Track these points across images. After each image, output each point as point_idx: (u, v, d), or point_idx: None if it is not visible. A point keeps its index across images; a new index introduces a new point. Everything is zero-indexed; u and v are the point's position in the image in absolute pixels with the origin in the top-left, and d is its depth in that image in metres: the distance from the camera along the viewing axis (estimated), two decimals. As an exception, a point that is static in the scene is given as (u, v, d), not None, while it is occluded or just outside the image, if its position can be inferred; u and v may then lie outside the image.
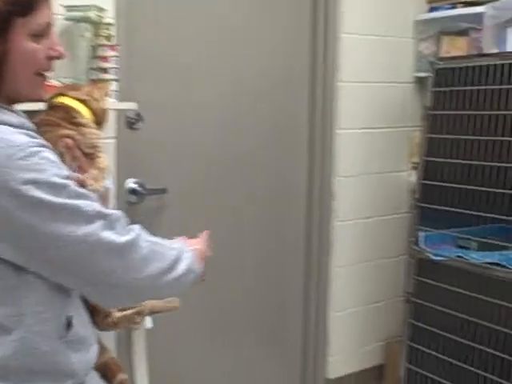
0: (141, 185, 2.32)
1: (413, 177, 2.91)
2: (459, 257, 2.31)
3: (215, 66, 2.47)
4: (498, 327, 2.26)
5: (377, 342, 2.99)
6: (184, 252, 1.32)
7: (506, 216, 2.23)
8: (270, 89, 2.63)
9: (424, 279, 2.45)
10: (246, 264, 2.66)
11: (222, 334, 2.62)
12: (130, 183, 2.31)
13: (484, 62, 2.25)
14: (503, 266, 2.18)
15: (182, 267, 1.28)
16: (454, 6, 2.75)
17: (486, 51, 2.42)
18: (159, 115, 2.34)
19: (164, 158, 2.39)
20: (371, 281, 2.92)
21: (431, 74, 2.43)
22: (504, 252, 2.24)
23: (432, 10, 2.86)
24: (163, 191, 2.37)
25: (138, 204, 2.34)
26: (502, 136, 2.25)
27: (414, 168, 2.92)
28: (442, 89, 2.40)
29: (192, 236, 1.46)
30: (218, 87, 2.48)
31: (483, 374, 2.29)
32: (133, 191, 2.31)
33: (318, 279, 2.79)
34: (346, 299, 2.86)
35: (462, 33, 2.68)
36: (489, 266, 2.23)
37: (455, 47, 2.71)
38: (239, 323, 2.67)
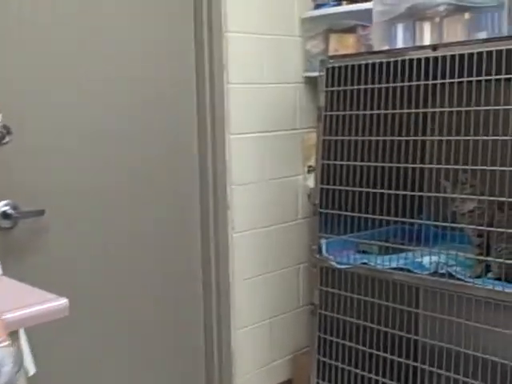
0: (14, 207, 2.07)
1: (309, 181, 2.82)
2: (364, 263, 2.22)
3: (90, 76, 2.24)
4: (408, 335, 2.21)
5: (284, 356, 2.87)
6: None
7: (405, 217, 2.15)
8: (155, 96, 2.42)
9: (329, 289, 2.34)
10: (140, 283, 2.44)
11: (117, 357, 2.40)
12: (1, 206, 2.06)
13: (375, 59, 2.17)
14: (408, 271, 2.11)
15: None
16: (339, 3, 2.67)
17: (376, 48, 2.34)
18: (30, 127, 2.08)
19: (40, 176, 2.13)
20: (274, 293, 2.79)
21: (322, 73, 2.32)
22: (408, 255, 2.17)
23: (318, 6, 2.76)
24: (40, 213, 2.13)
25: (12, 229, 2.09)
26: (396, 135, 2.18)
27: (310, 171, 2.83)
28: (334, 88, 2.29)
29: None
30: (96, 97, 2.25)
31: None
32: (4, 215, 2.06)
33: (218, 295, 2.62)
34: (249, 314, 2.71)
35: (350, 30, 2.61)
36: (393, 271, 2.15)
37: (344, 45, 2.63)
38: (136, 346, 2.45)
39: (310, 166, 2.83)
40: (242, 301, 2.67)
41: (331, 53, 2.64)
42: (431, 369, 2.14)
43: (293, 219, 2.83)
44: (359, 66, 2.20)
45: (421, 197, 2.24)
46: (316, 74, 2.69)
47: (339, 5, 2.65)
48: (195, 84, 2.56)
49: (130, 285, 2.41)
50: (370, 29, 2.50)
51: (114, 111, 2.31)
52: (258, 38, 2.64)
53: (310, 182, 2.81)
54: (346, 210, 2.29)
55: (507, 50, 1.82)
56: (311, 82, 2.81)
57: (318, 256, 2.34)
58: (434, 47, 2.01)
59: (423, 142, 2.17)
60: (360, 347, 2.31)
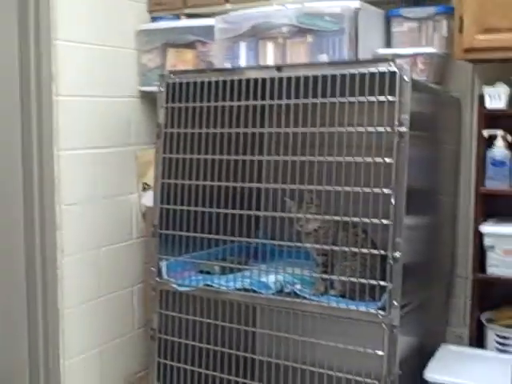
0: None
1: (144, 199, 2.70)
2: (207, 285, 2.16)
3: None
4: (246, 354, 2.18)
5: (116, 383, 2.70)
6: None
7: (244, 236, 2.14)
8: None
9: (169, 312, 2.23)
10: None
11: None
12: None
13: (218, 77, 2.12)
14: (253, 291, 2.08)
15: None
16: (177, 17, 2.61)
17: (218, 66, 2.30)
18: None
19: None
20: (106, 318, 2.62)
21: (162, 89, 2.22)
22: (252, 273, 2.15)
23: (154, 19, 2.68)
24: None
25: None
26: (234, 154, 2.14)
27: (145, 189, 2.72)
28: (174, 105, 2.21)
29: None
30: None
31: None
32: None
33: (45, 326, 2.40)
34: (80, 343, 2.52)
35: (189, 45, 2.55)
36: (237, 291, 2.11)
37: (182, 60, 2.57)
38: None
39: (145, 184, 2.72)
40: (71, 329, 2.47)
41: (169, 68, 2.57)
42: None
43: (126, 239, 2.69)
44: (202, 82, 2.14)
45: (258, 215, 2.22)
46: (152, 88, 2.62)
47: (177, 19, 2.59)
48: (19, 96, 2.33)
49: None
50: (209, 45, 2.47)
51: None
52: (89, 49, 2.49)
53: (145, 200, 2.70)
54: (186, 230, 2.21)
55: (350, 75, 1.87)
56: (147, 97, 2.70)
57: (157, 279, 2.23)
58: (279, 68, 2.02)
59: (261, 161, 2.17)
60: (201, 370, 2.23)
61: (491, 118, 2.29)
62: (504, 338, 2.26)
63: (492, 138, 2.29)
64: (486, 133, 2.27)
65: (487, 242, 2.24)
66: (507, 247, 2.21)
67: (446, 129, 2.43)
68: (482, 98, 2.27)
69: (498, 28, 2.10)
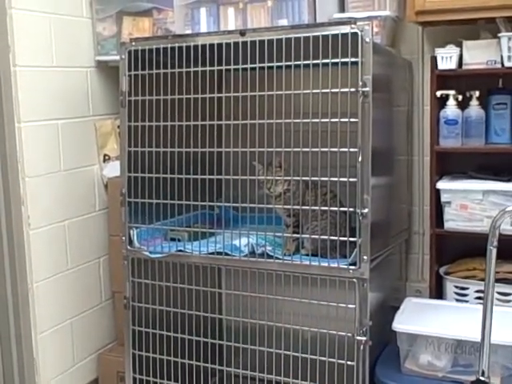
0: None
1: (106, 170, 2.69)
2: (179, 251, 2.18)
3: None
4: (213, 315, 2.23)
5: (88, 355, 2.71)
6: None
7: (208, 202, 2.15)
8: None
9: (141, 280, 2.25)
10: None
11: None
12: None
13: (180, 43, 2.12)
14: (226, 254, 2.12)
15: None
16: (131, -16, 2.58)
17: (177, 32, 2.30)
18: None
19: None
20: (74, 291, 2.62)
21: (124, 57, 2.20)
22: (219, 238, 2.19)
23: (106, -13, 2.63)
24: None
25: None
26: (200, 121, 2.15)
27: (106, 160, 2.70)
28: (137, 72, 2.20)
29: None
30: None
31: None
32: None
33: (15, 301, 2.37)
34: (50, 317, 2.51)
35: (145, 13, 2.53)
36: (209, 255, 2.15)
37: (138, 28, 2.55)
38: None
39: (105, 155, 2.70)
40: (40, 304, 2.45)
41: (125, 36, 2.54)
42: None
43: (90, 211, 2.67)
44: (165, 49, 2.13)
45: (221, 181, 2.25)
46: (108, 58, 2.60)
47: (131, -14, 2.56)
48: (-25, 66, 2.28)
49: None
50: (166, 12, 2.46)
51: None
52: (44, 17, 2.43)
53: (107, 171, 2.69)
54: (153, 198, 2.22)
55: (313, 38, 1.91)
56: (103, 67, 2.67)
57: (129, 247, 2.24)
58: (243, 32, 2.03)
59: (226, 126, 2.18)
60: (176, 335, 2.27)
61: (443, 79, 2.38)
62: (462, 288, 2.38)
63: (444, 99, 2.38)
64: (438, 93, 2.36)
65: (444, 198, 2.34)
66: (462, 202, 2.32)
67: (399, 90, 2.51)
68: (433, 60, 2.35)
69: (449, -10, 2.18)
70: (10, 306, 2.39)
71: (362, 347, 1.94)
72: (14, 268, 2.37)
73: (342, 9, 2.45)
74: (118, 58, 2.24)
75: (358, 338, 1.94)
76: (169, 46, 2.12)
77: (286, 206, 2.10)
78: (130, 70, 2.20)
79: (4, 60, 2.28)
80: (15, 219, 2.34)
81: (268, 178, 2.08)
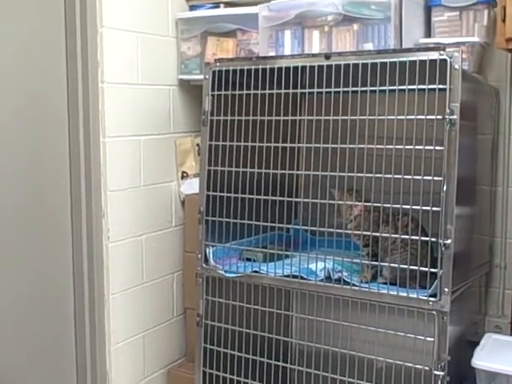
0: None
1: (183, 187, 2.73)
2: (255, 271, 2.18)
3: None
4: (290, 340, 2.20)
5: (159, 369, 2.74)
6: None
7: (282, 223, 2.13)
8: (24, 101, 2.22)
9: (215, 298, 2.26)
10: (5, 300, 2.21)
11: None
12: None
13: (264, 65, 2.13)
14: (301, 278, 2.10)
15: None
16: (216, 6, 2.62)
17: (261, 54, 2.31)
18: None
19: None
20: (148, 304, 2.65)
21: (208, 77, 2.24)
22: (294, 261, 2.16)
23: (192, 8, 2.69)
24: None
25: None
26: (279, 142, 2.15)
27: (183, 178, 2.74)
28: (219, 92, 2.23)
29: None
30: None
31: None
32: None
33: (91, 311, 2.43)
34: (124, 329, 2.54)
35: (229, 34, 2.56)
36: (285, 278, 2.13)
37: (222, 49, 2.57)
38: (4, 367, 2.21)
39: (183, 172, 2.74)
40: (116, 315, 2.49)
41: (208, 56, 2.58)
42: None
43: (167, 227, 2.71)
44: (248, 70, 2.14)
45: (296, 203, 2.24)
46: (191, 77, 2.64)
47: (217, 7, 2.60)
48: (66, 83, 2.36)
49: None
50: (250, 34, 2.47)
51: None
52: (133, 36, 2.50)
53: (184, 188, 2.72)
54: (230, 217, 2.23)
55: (400, 63, 1.89)
56: (185, 85, 2.72)
57: (204, 265, 2.26)
58: (327, 55, 2.03)
59: (307, 148, 2.18)
60: (246, 356, 2.25)
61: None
62: (546, 326, 2.28)
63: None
64: (526, 121, 2.29)
65: (528, 230, 2.26)
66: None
67: (485, 118, 2.44)
68: (521, 88, 2.28)
69: (541, 18, 2.10)
70: (86, 316, 2.44)
71: (439, 382, 1.87)
72: (92, 278, 2.42)
73: (429, 34, 2.41)
74: (200, 77, 2.27)
75: (436, 372, 1.88)
76: (253, 67, 2.13)
77: (364, 232, 2.06)
78: (213, 89, 2.23)
79: (93, 76, 2.35)
80: (95, 231, 2.40)
81: (347, 203, 2.05)
